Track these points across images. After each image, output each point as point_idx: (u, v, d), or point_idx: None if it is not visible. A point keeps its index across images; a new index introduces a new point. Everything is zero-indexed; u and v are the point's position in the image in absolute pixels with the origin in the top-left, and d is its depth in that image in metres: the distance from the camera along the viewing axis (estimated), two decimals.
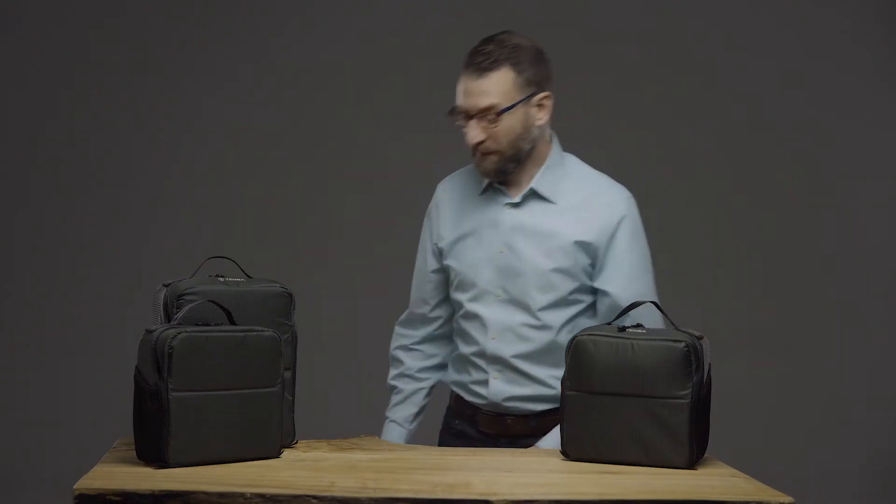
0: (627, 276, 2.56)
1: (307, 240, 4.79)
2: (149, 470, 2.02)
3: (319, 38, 4.88)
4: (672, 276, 4.83)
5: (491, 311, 2.57)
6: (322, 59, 4.88)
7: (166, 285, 2.24)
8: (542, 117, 2.55)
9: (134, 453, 2.09)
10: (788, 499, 1.95)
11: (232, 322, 2.15)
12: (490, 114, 2.48)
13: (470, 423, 2.64)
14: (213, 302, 2.15)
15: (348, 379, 4.63)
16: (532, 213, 2.56)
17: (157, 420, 2.02)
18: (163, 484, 1.91)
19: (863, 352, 4.84)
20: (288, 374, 2.25)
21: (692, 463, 2.17)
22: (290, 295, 2.29)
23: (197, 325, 2.09)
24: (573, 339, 2.23)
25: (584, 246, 2.54)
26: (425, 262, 2.71)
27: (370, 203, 4.80)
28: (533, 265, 2.53)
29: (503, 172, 2.54)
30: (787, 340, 4.83)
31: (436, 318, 2.73)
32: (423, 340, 2.76)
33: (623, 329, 2.23)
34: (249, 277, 2.31)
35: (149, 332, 2.07)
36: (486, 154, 2.51)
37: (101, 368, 4.69)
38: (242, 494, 1.87)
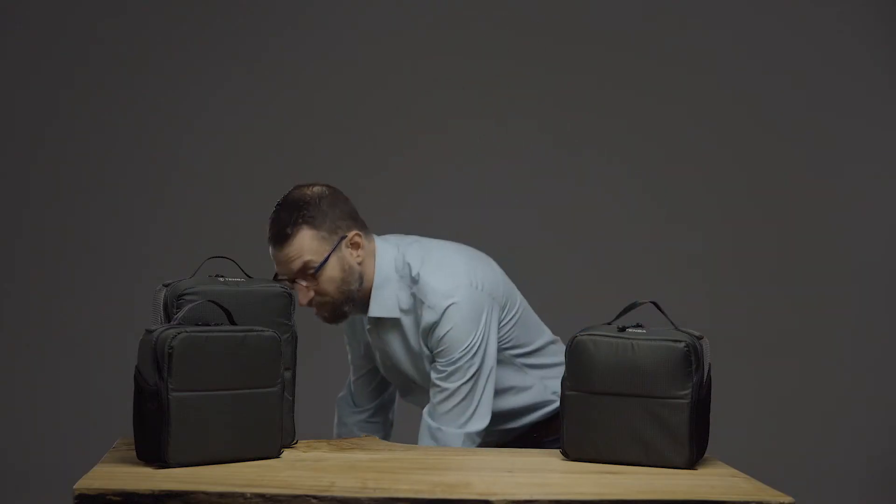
0: (445, 366, 2.55)
1: None
2: (149, 470, 2.02)
3: (320, 38, 4.88)
4: (673, 276, 4.85)
5: (412, 397, 2.75)
6: (322, 59, 4.88)
7: (166, 285, 2.24)
8: (359, 255, 2.58)
9: (134, 453, 2.10)
10: (788, 499, 1.95)
11: (232, 322, 2.15)
12: (307, 272, 2.52)
13: None
14: (213, 302, 2.15)
15: None
16: (385, 333, 2.64)
17: (157, 420, 2.02)
18: (163, 484, 1.91)
19: (863, 352, 4.83)
20: (288, 374, 2.25)
21: (692, 463, 2.17)
22: (290, 295, 2.29)
23: (197, 325, 2.09)
24: (573, 338, 2.24)
25: (426, 342, 2.59)
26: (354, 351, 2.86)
27: (370, 203, 4.79)
28: (414, 377, 2.64)
29: (342, 316, 2.61)
30: (787, 340, 4.82)
31: (383, 383, 2.84)
32: (376, 411, 2.86)
33: (623, 329, 2.23)
34: (249, 277, 2.31)
35: (149, 332, 2.07)
36: (320, 307, 2.57)
37: (101, 368, 4.69)
38: (242, 494, 1.87)
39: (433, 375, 2.55)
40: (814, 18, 4.86)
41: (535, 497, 1.91)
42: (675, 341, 2.17)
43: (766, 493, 1.99)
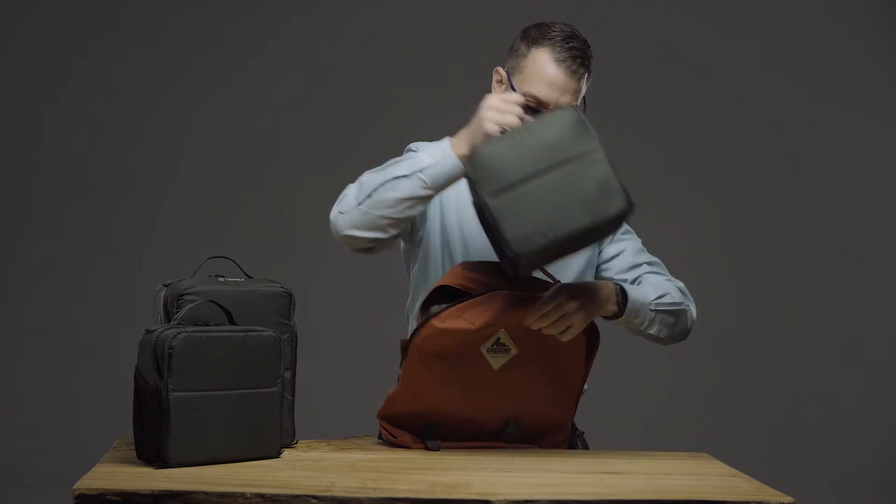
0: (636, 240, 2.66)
1: (307, 240, 4.79)
2: (149, 470, 2.02)
3: (320, 38, 4.88)
4: (674, 277, 4.84)
5: None
6: (323, 59, 4.88)
7: (166, 285, 2.24)
8: None
9: (134, 453, 2.09)
10: (788, 499, 1.95)
11: (232, 322, 2.15)
12: None
13: None
14: (213, 302, 2.15)
15: (348, 379, 4.63)
16: None
17: (157, 420, 2.02)
18: (163, 484, 1.91)
19: (863, 352, 4.84)
20: (288, 374, 2.25)
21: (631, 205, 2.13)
22: (290, 295, 2.28)
23: (197, 325, 2.09)
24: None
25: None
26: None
27: None
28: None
29: None
30: (788, 340, 4.83)
31: None
32: None
33: None
34: (249, 277, 2.31)
35: (149, 332, 2.07)
36: None
37: (101, 368, 4.69)
38: (242, 494, 1.87)
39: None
40: (814, 18, 4.86)
41: (535, 497, 1.91)
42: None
43: (766, 493, 1.99)
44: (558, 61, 2.41)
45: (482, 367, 2.30)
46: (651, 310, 2.43)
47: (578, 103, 2.47)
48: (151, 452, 2.04)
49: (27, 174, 4.84)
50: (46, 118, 4.85)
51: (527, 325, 2.24)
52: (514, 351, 2.30)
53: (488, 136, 2.19)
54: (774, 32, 4.88)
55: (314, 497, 1.88)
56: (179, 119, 4.86)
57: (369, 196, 2.30)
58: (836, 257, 4.85)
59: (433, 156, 2.28)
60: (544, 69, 2.41)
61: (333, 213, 2.34)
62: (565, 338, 2.27)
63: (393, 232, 2.33)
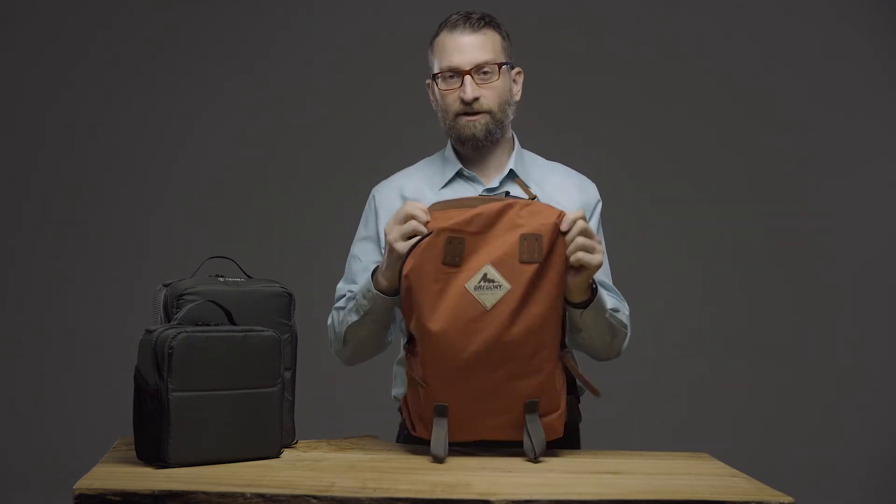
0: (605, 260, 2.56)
1: (307, 240, 4.79)
2: (149, 470, 2.02)
3: (319, 37, 4.88)
4: (673, 276, 4.85)
5: None
6: (321, 59, 4.88)
7: (166, 285, 2.24)
8: (517, 93, 2.55)
9: (134, 453, 2.10)
10: (788, 499, 1.95)
11: (232, 322, 2.15)
12: (486, 67, 2.46)
13: None
14: (213, 302, 2.15)
15: (348, 379, 4.62)
16: None
17: (157, 420, 2.02)
18: (163, 484, 1.91)
19: (863, 351, 4.84)
20: (288, 374, 2.25)
21: None
22: (290, 295, 2.29)
23: (197, 325, 2.09)
24: None
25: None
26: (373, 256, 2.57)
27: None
28: None
29: (492, 135, 2.50)
30: (787, 340, 4.83)
31: None
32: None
33: None
34: (249, 277, 2.31)
35: (149, 332, 2.07)
36: (479, 113, 2.47)
37: (101, 368, 4.69)
38: (242, 494, 1.87)
39: None
40: (814, 18, 4.86)
41: (535, 497, 1.91)
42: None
43: (766, 493, 1.99)
44: (453, 29, 2.50)
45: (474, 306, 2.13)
46: (606, 317, 2.37)
47: (502, 61, 2.49)
48: (151, 452, 2.04)
49: (27, 174, 4.85)
50: (47, 117, 4.85)
51: (561, 226, 2.14)
52: (506, 286, 2.13)
53: (401, 257, 2.19)
54: (774, 31, 4.88)
55: (314, 497, 1.88)
56: (179, 119, 4.86)
57: (347, 342, 2.47)
58: (837, 258, 4.85)
59: (367, 297, 2.36)
60: (446, 43, 2.51)
61: (331, 350, 2.55)
62: (588, 263, 2.15)
63: (387, 341, 2.51)
